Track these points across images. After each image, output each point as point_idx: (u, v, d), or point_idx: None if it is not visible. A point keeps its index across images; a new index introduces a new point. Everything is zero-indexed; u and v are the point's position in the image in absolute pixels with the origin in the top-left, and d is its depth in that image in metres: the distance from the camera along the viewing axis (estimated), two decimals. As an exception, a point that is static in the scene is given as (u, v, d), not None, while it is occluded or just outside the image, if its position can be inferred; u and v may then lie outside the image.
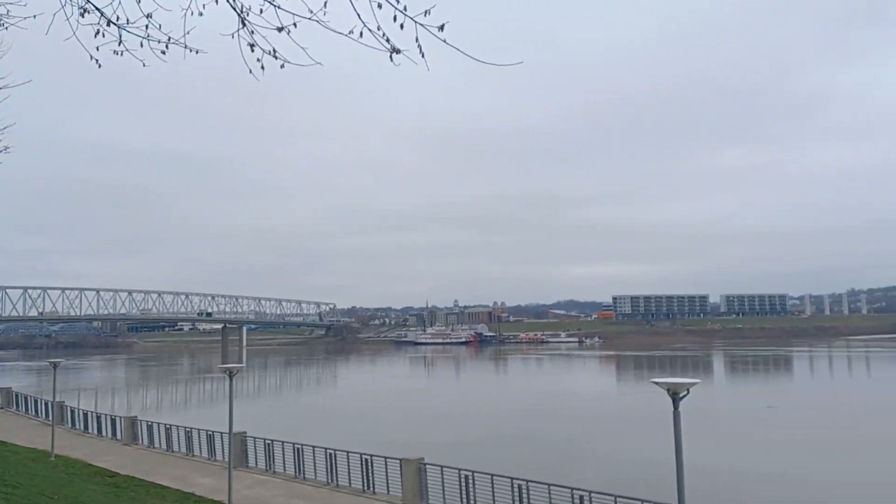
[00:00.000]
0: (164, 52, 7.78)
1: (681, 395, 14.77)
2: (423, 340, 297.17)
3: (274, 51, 7.36)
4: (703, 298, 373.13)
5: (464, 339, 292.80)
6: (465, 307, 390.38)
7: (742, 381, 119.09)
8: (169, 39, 7.72)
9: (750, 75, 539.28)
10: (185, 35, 7.59)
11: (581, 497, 20.74)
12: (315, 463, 30.04)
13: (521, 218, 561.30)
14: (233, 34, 7.33)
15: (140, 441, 41.07)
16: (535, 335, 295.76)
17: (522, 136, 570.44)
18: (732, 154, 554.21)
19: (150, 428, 40.78)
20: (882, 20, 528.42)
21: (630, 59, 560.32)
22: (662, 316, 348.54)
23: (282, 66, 7.53)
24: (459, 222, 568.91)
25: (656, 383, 14.97)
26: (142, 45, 7.79)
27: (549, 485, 21.30)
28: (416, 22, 6.62)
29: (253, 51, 7.36)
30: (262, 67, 7.47)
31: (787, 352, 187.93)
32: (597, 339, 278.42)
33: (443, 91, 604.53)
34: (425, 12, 6.56)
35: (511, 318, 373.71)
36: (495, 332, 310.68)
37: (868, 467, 42.25)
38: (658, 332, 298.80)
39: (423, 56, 6.78)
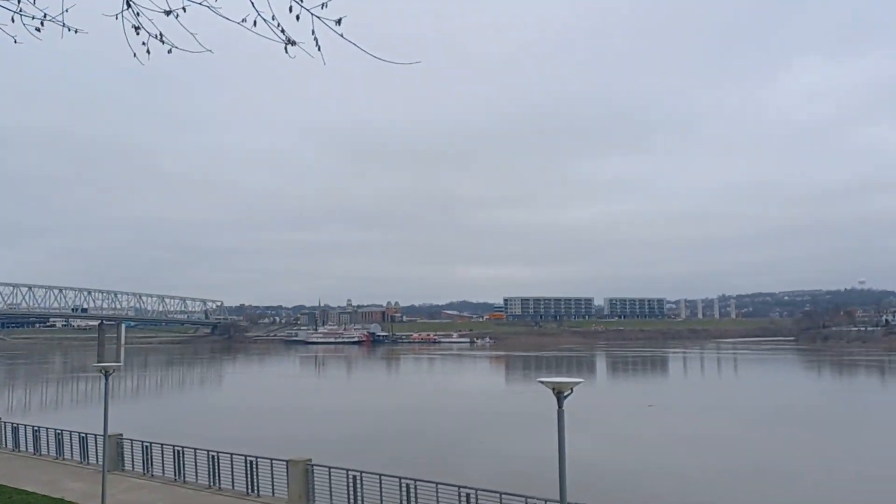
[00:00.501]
0: (38, 30, 7.29)
1: (565, 393, 15.26)
2: (315, 340, 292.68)
3: (161, 35, 7.05)
4: (589, 301, 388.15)
5: (356, 339, 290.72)
6: (359, 307, 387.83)
7: (624, 380, 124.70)
8: (45, 16, 7.24)
9: (636, 91, 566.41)
10: (63, 13, 7.15)
11: (468, 495, 21.06)
12: (196, 466, 28.94)
13: (418, 218, 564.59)
14: (116, 15, 6.95)
15: (3, 444, 38.19)
16: (428, 335, 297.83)
17: (422, 136, 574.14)
18: (618, 164, 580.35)
19: (14, 430, 37.98)
20: (760, 46, 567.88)
21: (527, 69, 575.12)
22: (550, 317, 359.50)
23: (169, 52, 7.23)
24: (356, 221, 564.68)
25: (542, 382, 15.42)
26: (13, 21, 7.27)
27: (437, 483, 21.51)
28: (312, 14, 6.52)
29: (138, 34, 7.01)
30: (148, 52, 7.14)
31: (663, 353, 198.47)
32: (487, 339, 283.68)
33: (345, 88, 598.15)
34: (322, 5, 6.48)
35: (404, 318, 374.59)
36: (388, 332, 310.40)
37: (735, 460, 45.32)
38: (545, 333, 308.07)
39: (319, 49, 6.69)
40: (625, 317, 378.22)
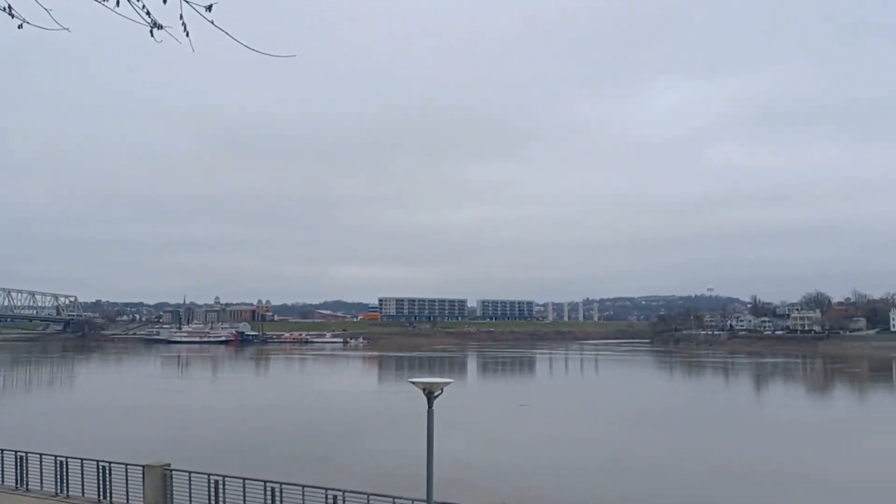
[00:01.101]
0: None
1: (435, 394, 15.46)
2: (178, 339, 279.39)
3: (10, 7, 6.50)
4: (462, 303, 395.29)
5: (223, 338, 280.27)
6: (227, 305, 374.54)
7: (497, 380, 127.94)
8: None
9: (511, 100, 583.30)
10: None
11: (335, 497, 20.80)
12: (42, 472, 26.82)
13: (292, 215, 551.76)
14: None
15: None
16: (300, 335, 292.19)
17: (299, 132, 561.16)
18: (493, 170, 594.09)
19: None
20: (626, 63, 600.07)
21: (405, 72, 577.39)
22: (424, 318, 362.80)
23: (20, 27, 6.68)
24: (226, 216, 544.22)
25: (413, 383, 15.54)
26: None
27: (304, 486, 21.12)
28: (180, -2, 6.23)
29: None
30: (-7, 23, 6.56)
31: (532, 354, 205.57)
32: (361, 339, 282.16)
33: (220, 78, 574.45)
34: (192, -11, 6.21)
35: (276, 318, 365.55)
36: (258, 332, 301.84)
37: (600, 457, 47.66)
38: (419, 334, 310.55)
39: (187, 35, 6.40)
40: (496, 318, 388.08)
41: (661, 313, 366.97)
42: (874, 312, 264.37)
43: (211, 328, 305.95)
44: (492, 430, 59.56)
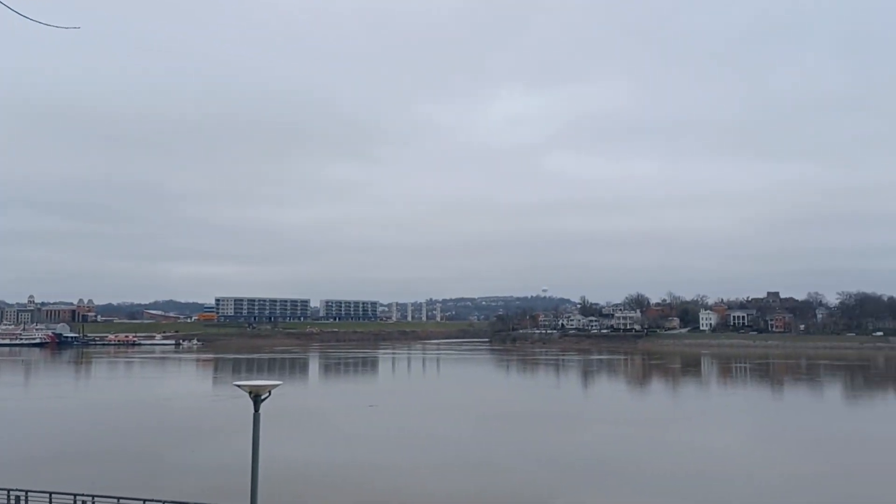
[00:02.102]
0: None
1: (263, 396, 14.97)
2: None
3: None
4: (305, 303, 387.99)
5: (38, 341, 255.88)
6: (43, 304, 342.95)
7: (343, 381, 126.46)
8: None
9: (362, 99, 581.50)
10: None
11: (154, 508, 19.62)
12: None
13: (120, 208, 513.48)
14: None
15: None
16: (127, 336, 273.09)
17: (129, 120, 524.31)
18: (340, 169, 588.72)
19: None
20: (473, 70, 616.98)
21: (252, 64, 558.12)
22: (265, 319, 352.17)
23: None
24: (42, 207, 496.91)
25: (239, 386, 14.95)
26: None
27: (119, 498, 19.72)
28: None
29: None
30: None
31: (376, 354, 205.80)
32: (195, 341, 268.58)
33: (38, 58, 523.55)
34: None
35: (99, 318, 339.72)
36: (79, 333, 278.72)
37: (443, 453, 48.48)
38: (259, 335, 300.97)
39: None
40: (340, 319, 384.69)
41: (500, 313, 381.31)
42: (686, 313, 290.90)
43: (23, 329, 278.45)
44: (342, 430, 58.99)
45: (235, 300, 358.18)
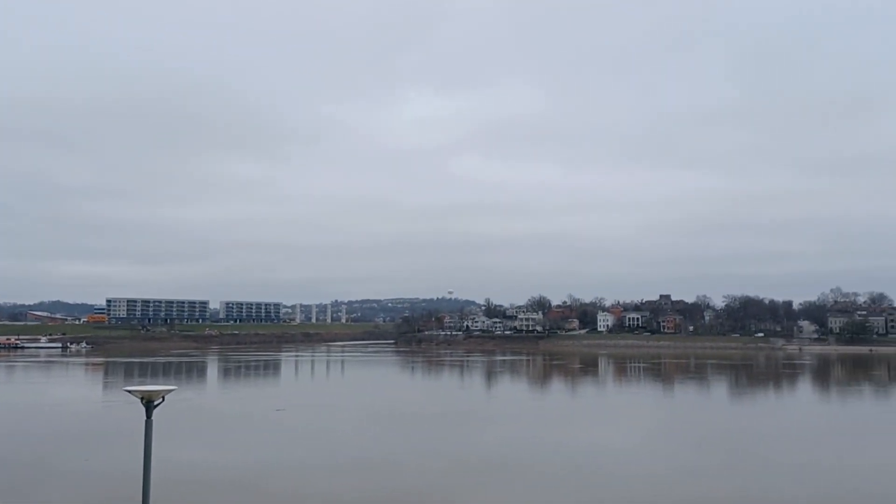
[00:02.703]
0: None
1: (156, 402, 14.45)
2: None
3: None
4: (204, 304, 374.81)
5: None
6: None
7: (247, 385, 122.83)
8: None
9: (267, 96, 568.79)
10: None
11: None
12: None
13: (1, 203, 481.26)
14: None
15: None
16: (8, 339, 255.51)
17: (14, 109, 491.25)
18: (242, 166, 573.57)
19: None
20: (381, 71, 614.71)
21: (146, 56, 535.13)
22: (160, 321, 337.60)
23: None
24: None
25: (129, 391, 14.36)
26: None
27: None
28: None
29: None
30: None
31: (280, 356, 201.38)
32: (84, 344, 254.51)
33: None
34: None
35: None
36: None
37: (346, 455, 48.03)
38: (154, 338, 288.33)
39: None
40: (241, 320, 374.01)
41: (406, 315, 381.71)
42: (585, 314, 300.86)
43: None
44: (248, 434, 57.50)
45: (128, 301, 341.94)
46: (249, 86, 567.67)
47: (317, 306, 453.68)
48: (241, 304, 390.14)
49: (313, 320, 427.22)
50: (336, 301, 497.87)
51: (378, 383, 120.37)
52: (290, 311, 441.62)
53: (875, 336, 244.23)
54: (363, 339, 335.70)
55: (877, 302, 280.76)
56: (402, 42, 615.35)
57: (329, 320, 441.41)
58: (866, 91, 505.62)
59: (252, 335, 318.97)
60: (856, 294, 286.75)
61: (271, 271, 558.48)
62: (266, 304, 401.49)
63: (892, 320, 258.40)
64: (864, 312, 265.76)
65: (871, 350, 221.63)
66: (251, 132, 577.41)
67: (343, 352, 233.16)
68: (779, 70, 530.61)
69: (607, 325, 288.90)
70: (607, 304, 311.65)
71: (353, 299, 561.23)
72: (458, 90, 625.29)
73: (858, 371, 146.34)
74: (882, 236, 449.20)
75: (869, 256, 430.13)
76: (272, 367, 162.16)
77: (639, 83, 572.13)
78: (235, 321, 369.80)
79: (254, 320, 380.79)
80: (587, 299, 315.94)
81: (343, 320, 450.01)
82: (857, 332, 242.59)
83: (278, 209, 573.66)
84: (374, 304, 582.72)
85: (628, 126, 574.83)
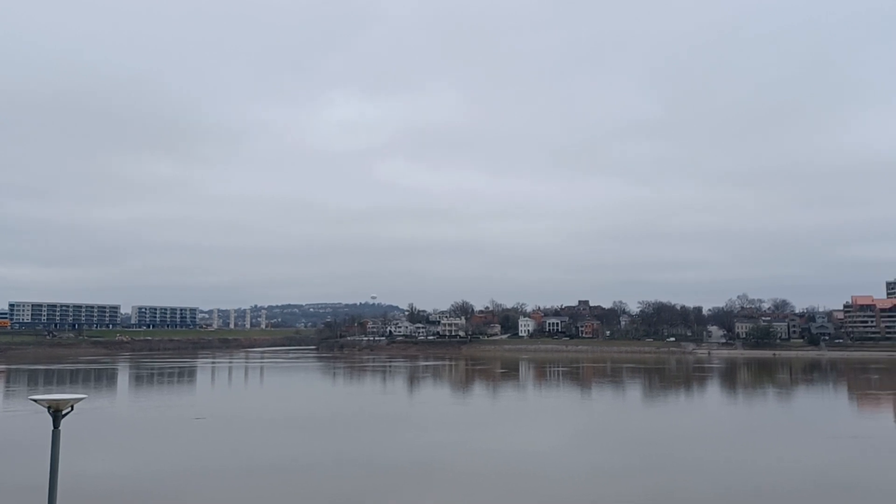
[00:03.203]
0: None
1: (64, 411, 13.86)
2: None
3: None
4: (115, 309, 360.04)
5: None
6: None
7: (162, 392, 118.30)
8: None
9: (187, 95, 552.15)
10: None
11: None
12: None
13: None
14: None
15: None
16: None
17: None
18: (159, 166, 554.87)
19: None
20: (307, 73, 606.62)
21: (56, 48, 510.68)
22: (68, 326, 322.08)
23: None
24: None
25: (35, 400, 13.73)
26: None
27: None
28: None
29: None
30: None
31: (196, 363, 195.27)
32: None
33: None
34: None
35: None
36: None
37: (272, 461, 47.01)
38: (61, 344, 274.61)
39: None
40: (154, 326, 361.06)
41: (328, 320, 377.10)
42: (507, 319, 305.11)
43: None
44: (164, 443, 55.43)
45: (33, 305, 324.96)
46: (169, 82, 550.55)
47: (235, 311, 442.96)
48: (155, 309, 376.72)
49: (232, 326, 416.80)
50: (256, 306, 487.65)
51: (299, 390, 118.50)
52: (206, 316, 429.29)
53: (778, 341, 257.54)
54: (284, 345, 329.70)
55: (780, 308, 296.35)
56: (328, 44, 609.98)
57: (248, 326, 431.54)
58: (772, 108, 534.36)
59: (166, 341, 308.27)
60: (760, 301, 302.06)
61: (188, 275, 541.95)
62: (181, 309, 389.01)
63: (793, 326, 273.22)
64: (769, 318, 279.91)
65: (774, 354, 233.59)
66: (169, 130, 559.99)
67: (263, 358, 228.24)
68: (692, 86, 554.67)
69: (528, 330, 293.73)
70: (528, 309, 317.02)
71: (274, 304, 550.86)
72: (385, 94, 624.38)
73: (763, 374, 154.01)
74: (785, 246, 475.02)
75: (773, 265, 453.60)
76: (188, 375, 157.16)
77: (561, 94, 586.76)
78: (148, 327, 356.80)
79: (168, 326, 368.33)
80: (509, 305, 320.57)
81: (263, 326, 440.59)
82: (761, 337, 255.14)
83: (196, 210, 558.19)
84: (296, 310, 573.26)
85: (551, 135, 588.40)
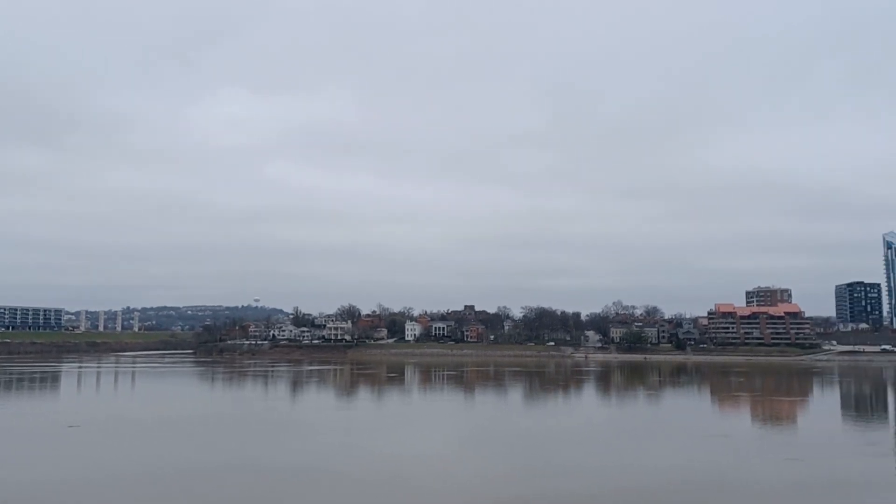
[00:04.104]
0: None
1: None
2: None
3: None
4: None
5: None
6: None
7: (24, 399, 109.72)
8: None
9: (56, 85, 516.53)
10: None
11: None
12: None
13: None
14: None
15: None
16: None
17: None
18: (26, 155, 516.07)
19: None
20: (190, 68, 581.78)
21: None
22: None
23: None
24: None
25: None
26: None
27: None
28: None
29: None
30: None
31: (61, 367, 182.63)
32: None
33: None
34: None
35: None
36: None
37: (151, 465, 44.77)
38: None
39: None
40: (14, 328, 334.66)
41: (207, 323, 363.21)
42: (394, 324, 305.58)
43: None
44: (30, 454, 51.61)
45: None
46: (38, 71, 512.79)
47: (105, 313, 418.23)
48: (15, 310, 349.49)
49: (101, 328, 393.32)
50: (128, 308, 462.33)
51: (176, 395, 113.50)
52: (73, 317, 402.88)
53: (649, 345, 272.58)
54: (158, 349, 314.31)
55: (651, 314, 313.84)
56: (217, 36, 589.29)
57: (119, 328, 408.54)
58: (650, 125, 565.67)
59: (27, 344, 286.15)
60: (634, 307, 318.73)
61: (54, 274, 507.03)
62: (45, 310, 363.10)
63: (663, 331, 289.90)
64: (641, 324, 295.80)
65: (645, 358, 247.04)
66: (36, 120, 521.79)
67: (135, 363, 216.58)
68: (578, 99, 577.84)
69: (415, 335, 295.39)
70: (415, 313, 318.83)
71: (148, 306, 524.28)
72: (277, 92, 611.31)
73: (635, 377, 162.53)
74: (657, 256, 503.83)
75: (647, 274, 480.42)
76: (52, 380, 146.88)
77: (454, 101, 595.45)
78: (7, 328, 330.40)
79: (30, 328, 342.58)
80: (396, 309, 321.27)
81: (136, 329, 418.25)
82: (634, 342, 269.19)
83: (64, 205, 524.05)
84: (172, 312, 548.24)
85: (443, 143, 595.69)
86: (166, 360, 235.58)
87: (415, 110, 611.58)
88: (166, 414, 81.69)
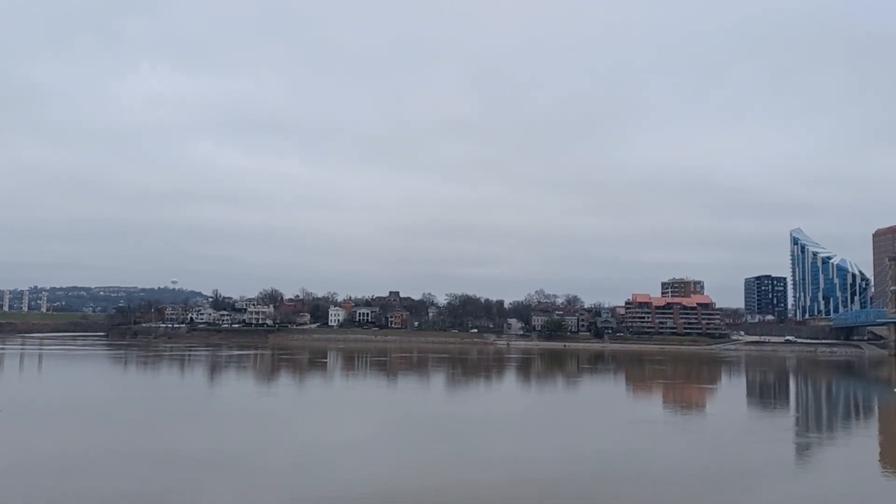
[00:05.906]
0: None
1: None
2: None
3: None
4: None
5: None
6: None
7: None
8: None
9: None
10: None
11: None
12: None
13: None
14: None
15: None
16: None
17: None
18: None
19: None
20: (111, 40, 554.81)
21: None
22: None
23: None
24: None
25: None
26: None
27: None
28: None
29: None
30: None
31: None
32: None
33: None
34: None
35: None
36: None
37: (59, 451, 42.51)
38: None
39: None
40: None
41: (121, 305, 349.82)
42: (317, 309, 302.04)
43: None
44: None
45: None
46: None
47: (10, 293, 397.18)
48: None
49: (5, 308, 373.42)
50: (35, 287, 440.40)
51: (87, 380, 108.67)
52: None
53: (569, 333, 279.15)
54: (68, 331, 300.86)
55: (572, 303, 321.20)
56: (136, 6, 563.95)
57: (26, 309, 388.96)
58: (574, 120, 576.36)
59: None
60: (555, 296, 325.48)
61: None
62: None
63: (583, 320, 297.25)
64: (561, 312, 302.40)
65: (564, 346, 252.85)
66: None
67: (42, 345, 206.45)
68: (505, 91, 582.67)
69: (338, 320, 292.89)
70: (339, 299, 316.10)
71: (58, 286, 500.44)
72: (198, 68, 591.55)
73: (555, 364, 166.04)
74: (578, 247, 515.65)
75: (568, 264, 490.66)
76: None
77: (382, 89, 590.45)
78: None
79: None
80: (320, 294, 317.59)
81: (43, 309, 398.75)
82: (554, 330, 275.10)
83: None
84: (83, 293, 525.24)
85: (370, 129, 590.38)
86: (77, 342, 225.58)
87: (342, 95, 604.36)
88: (73, 399, 78.08)
